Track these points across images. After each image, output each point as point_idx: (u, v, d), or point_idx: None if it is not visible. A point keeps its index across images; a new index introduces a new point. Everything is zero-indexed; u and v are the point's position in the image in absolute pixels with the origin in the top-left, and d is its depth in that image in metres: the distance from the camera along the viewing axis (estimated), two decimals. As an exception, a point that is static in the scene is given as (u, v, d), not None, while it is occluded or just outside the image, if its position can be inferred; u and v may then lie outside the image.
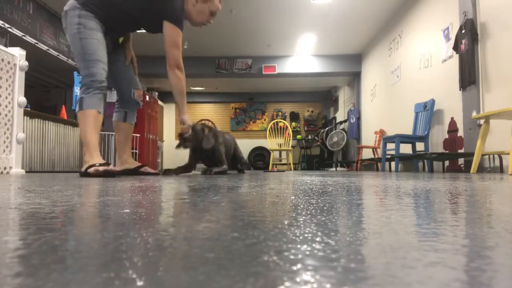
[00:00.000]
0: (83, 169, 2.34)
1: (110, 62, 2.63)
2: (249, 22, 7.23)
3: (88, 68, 2.45)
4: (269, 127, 7.89)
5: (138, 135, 6.07)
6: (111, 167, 2.35)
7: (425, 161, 5.29)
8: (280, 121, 8.02)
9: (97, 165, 2.29)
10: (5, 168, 3.29)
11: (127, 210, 0.53)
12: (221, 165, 3.12)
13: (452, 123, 4.86)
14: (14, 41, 5.32)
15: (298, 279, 0.21)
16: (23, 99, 3.49)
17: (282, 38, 8.05)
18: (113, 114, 2.96)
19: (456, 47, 4.57)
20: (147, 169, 2.94)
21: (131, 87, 2.92)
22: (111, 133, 6.04)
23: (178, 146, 2.97)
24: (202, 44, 8.31)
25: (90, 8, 2.48)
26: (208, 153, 3.04)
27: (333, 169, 9.77)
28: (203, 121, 2.74)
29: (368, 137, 8.46)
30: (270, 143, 7.77)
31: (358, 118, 9.08)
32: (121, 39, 2.88)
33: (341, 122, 10.53)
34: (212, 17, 2.92)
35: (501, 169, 3.95)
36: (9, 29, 5.22)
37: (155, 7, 2.57)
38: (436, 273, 0.22)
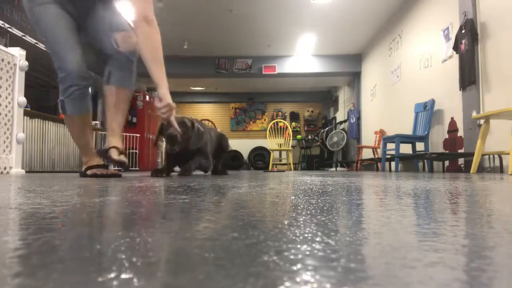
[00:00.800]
0: (82, 169, 2.32)
1: (83, 31, 2.21)
2: (249, 22, 7.23)
3: (58, 60, 2.06)
4: (269, 127, 7.89)
5: (138, 135, 6.07)
6: (110, 169, 2.33)
7: (425, 161, 5.29)
8: (280, 121, 8.02)
9: (95, 167, 2.25)
10: (5, 168, 3.29)
11: (127, 210, 0.53)
12: (206, 162, 2.57)
13: (452, 123, 4.86)
14: (14, 41, 5.32)
15: (298, 279, 0.21)
16: (23, 99, 3.49)
17: (282, 38, 8.05)
18: None
19: (456, 47, 4.57)
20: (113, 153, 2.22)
21: (110, 34, 2.20)
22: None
23: (155, 144, 2.57)
24: (202, 44, 8.31)
25: None
26: (191, 153, 2.42)
27: (333, 169, 9.77)
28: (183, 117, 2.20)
29: (368, 137, 8.46)
30: (270, 143, 7.77)
31: (358, 118, 9.08)
32: None
33: (341, 122, 10.53)
34: None
35: (501, 169, 3.95)
36: (9, 29, 5.22)
37: None
38: (436, 273, 0.22)
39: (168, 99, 2.03)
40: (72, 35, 2.12)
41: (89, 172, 2.24)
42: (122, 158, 2.21)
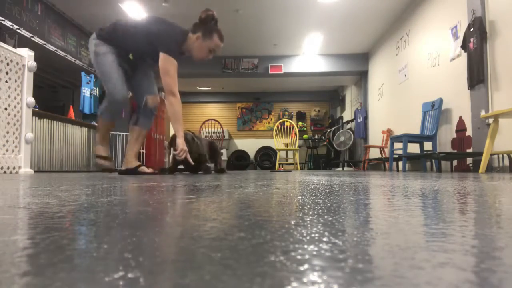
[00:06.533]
0: (127, 167, 3.09)
1: (129, 78, 3.10)
2: (255, 21, 7.23)
3: (108, 88, 2.89)
4: (275, 126, 7.89)
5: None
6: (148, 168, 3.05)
7: (433, 160, 5.25)
8: (287, 121, 8.01)
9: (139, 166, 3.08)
10: (14, 168, 3.32)
11: (134, 210, 0.54)
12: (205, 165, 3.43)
13: (460, 122, 4.82)
14: (22, 42, 5.37)
15: (305, 280, 0.21)
16: (31, 100, 3.52)
17: (289, 37, 8.03)
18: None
19: (464, 46, 4.53)
20: (144, 169, 3.14)
21: (144, 95, 3.20)
22: (118, 133, 6.09)
23: (171, 171, 3.24)
24: (209, 44, 8.33)
25: (103, 37, 2.91)
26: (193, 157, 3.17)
27: (340, 168, 9.73)
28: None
29: (375, 136, 8.42)
30: (277, 142, 7.76)
31: (365, 118, 9.03)
32: (130, 55, 3.12)
33: (348, 122, 10.49)
34: (212, 53, 3.18)
35: (510, 169, 3.91)
36: (17, 30, 5.28)
37: (155, 45, 2.90)
38: (445, 274, 0.22)
39: (181, 145, 2.92)
40: (120, 74, 2.93)
41: (140, 169, 3.05)
42: (150, 170, 3.18)
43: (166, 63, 2.86)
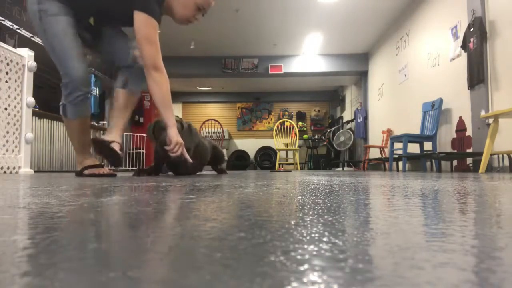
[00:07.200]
0: (78, 169, 2.37)
1: (95, 46, 2.39)
2: (255, 21, 7.23)
3: (64, 67, 2.14)
4: (275, 126, 7.88)
5: (145, 135, 6.06)
6: (105, 169, 2.37)
7: (433, 160, 5.25)
8: (287, 121, 8.01)
9: (91, 167, 2.32)
10: (14, 168, 3.32)
11: (134, 210, 0.54)
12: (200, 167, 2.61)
13: (461, 122, 4.82)
14: (22, 42, 5.37)
15: (305, 280, 0.21)
16: (31, 100, 3.52)
17: (289, 37, 8.04)
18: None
19: (464, 46, 4.53)
20: (115, 145, 2.35)
21: (127, 50, 2.41)
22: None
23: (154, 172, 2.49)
24: (208, 43, 8.33)
25: None
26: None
27: (340, 168, 9.74)
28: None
29: (375, 136, 8.42)
30: (277, 142, 7.76)
31: (365, 118, 9.03)
32: (91, 19, 2.37)
33: (348, 122, 10.49)
34: (200, 12, 2.35)
35: (510, 169, 3.91)
36: (17, 30, 5.27)
37: (126, 1, 2.12)
38: (445, 274, 0.22)
39: (175, 137, 2.15)
40: (78, 46, 2.20)
41: (86, 172, 2.31)
42: (121, 154, 2.37)
43: (146, 26, 2.08)
